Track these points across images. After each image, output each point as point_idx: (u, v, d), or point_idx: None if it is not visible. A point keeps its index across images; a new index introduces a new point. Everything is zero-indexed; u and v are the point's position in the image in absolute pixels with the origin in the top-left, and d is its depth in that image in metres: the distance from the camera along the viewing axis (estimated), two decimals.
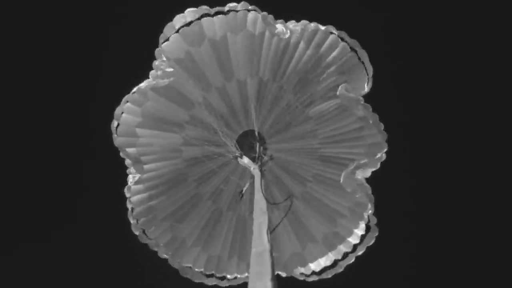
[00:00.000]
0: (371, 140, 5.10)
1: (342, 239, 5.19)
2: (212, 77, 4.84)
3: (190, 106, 4.94)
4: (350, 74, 4.84)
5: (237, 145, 4.97)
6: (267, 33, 4.69)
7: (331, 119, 5.10)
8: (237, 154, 4.91)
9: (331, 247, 5.22)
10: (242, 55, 4.77)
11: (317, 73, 4.85)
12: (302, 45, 4.74)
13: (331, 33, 4.71)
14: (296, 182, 5.25)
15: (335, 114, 5.07)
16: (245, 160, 4.82)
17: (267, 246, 3.50)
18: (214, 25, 4.63)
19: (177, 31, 4.62)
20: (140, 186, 4.98)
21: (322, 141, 5.18)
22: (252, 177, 4.76)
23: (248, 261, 4.66)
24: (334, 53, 4.78)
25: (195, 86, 4.86)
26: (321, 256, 5.22)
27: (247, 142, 5.12)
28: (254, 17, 4.61)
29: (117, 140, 4.82)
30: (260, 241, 3.58)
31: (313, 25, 4.69)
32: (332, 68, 4.82)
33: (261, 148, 4.97)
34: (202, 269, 5.19)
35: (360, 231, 5.15)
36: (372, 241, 5.12)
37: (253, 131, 5.08)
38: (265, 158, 4.99)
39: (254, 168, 4.69)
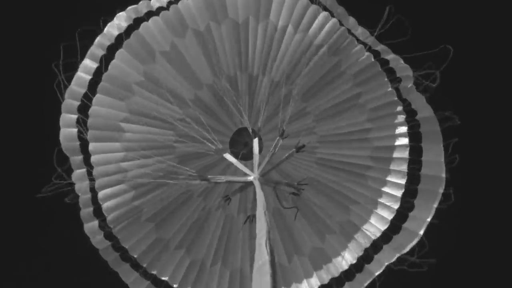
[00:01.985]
0: (378, 143, 4.54)
1: (329, 259, 4.66)
2: (201, 73, 4.56)
3: (182, 103, 4.66)
4: (342, 52, 4.37)
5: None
6: (251, 19, 4.37)
7: (332, 115, 4.62)
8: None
9: (317, 265, 4.68)
10: (229, 48, 4.46)
11: (307, 59, 4.41)
12: (290, 29, 4.35)
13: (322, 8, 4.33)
14: (290, 186, 4.75)
15: (336, 109, 4.59)
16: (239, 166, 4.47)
17: (267, 258, 3.42)
18: (193, 11, 4.37)
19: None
20: (121, 187, 4.64)
21: (321, 139, 4.69)
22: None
23: (232, 269, 4.78)
24: (323, 32, 4.34)
25: (184, 83, 4.59)
26: (307, 273, 4.68)
27: (242, 141, 4.77)
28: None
29: (91, 133, 4.53)
30: (260, 254, 3.50)
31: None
32: (324, 50, 4.37)
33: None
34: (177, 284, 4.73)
35: (350, 255, 4.60)
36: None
37: (247, 129, 4.67)
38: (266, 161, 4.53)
39: (254, 178, 4.34)
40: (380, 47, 4.48)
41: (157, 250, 4.76)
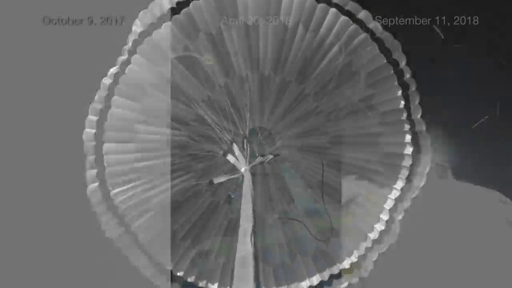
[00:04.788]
0: (387, 149, 4.62)
1: (331, 262, 4.75)
2: (214, 74, 4.62)
3: (194, 104, 4.74)
4: (354, 51, 4.38)
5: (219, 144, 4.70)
6: (261, 20, 4.38)
7: (345, 115, 4.61)
8: (220, 153, 4.67)
9: (319, 267, 4.76)
10: (240, 49, 4.50)
11: (319, 58, 4.42)
12: (300, 29, 4.35)
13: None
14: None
15: (349, 109, 4.58)
16: (231, 159, 4.59)
17: (250, 250, 3.66)
18: (204, 13, 4.40)
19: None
20: (135, 183, 4.76)
21: (333, 140, 4.68)
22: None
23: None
24: (334, 31, 4.33)
25: (197, 84, 4.66)
26: (310, 273, 4.75)
27: (256, 140, 4.78)
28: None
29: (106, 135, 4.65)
30: (243, 246, 3.73)
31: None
32: (335, 49, 4.38)
33: (255, 147, 4.68)
34: (182, 272, 4.81)
35: (352, 256, 4.71)
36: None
37: (260, 128, 4.76)
38: (259, 159, 4.65)
39: (245, 170, 4.49)
40: (391, 42, 4.46)
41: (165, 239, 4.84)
